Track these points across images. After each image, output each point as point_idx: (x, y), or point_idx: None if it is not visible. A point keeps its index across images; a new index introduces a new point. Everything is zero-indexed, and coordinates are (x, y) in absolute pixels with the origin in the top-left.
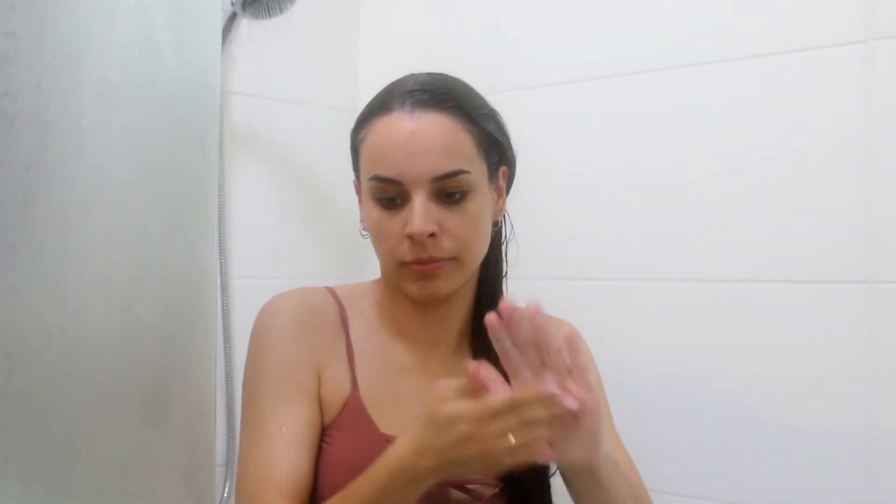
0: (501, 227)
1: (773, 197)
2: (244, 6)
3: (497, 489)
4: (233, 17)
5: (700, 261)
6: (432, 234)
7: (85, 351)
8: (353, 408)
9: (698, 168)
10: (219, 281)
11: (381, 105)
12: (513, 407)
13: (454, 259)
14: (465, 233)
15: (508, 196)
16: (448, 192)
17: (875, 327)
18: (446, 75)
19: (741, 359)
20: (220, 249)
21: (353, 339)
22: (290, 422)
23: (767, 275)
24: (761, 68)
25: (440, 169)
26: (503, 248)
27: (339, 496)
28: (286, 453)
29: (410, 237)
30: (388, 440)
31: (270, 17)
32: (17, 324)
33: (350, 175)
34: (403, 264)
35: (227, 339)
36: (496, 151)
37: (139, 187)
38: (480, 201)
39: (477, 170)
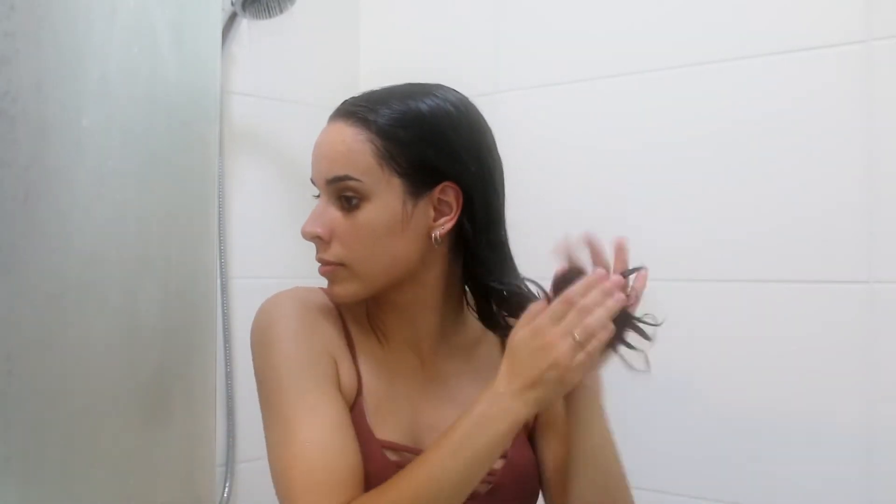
0: (469, 240)
1: (772, 197)
2: (244, 6)
3: (490, 486)
4: (233, 17)
5: (699, 260)
6: (320, 238)
7: (85, 351)
8: (357, 409)
9: (697, 168)
10: (219, 281)
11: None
12: (567, 301)
13: (343, 265)
14: (353, 241)
15: (506, 198)
16: (345, 197)
17: (875, 327)
18: (401, 87)
19: (741, 358)
20: (220, 249)
21: (353, 338)
22: (325, 411)
23: (767, 274)
24: (761, 68)
25: (329, 173)
26: (475, 257)
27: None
28: (335, 439)
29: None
30: (382, 446)
31: (270, 17)
32: (17, 324)
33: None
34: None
35: (227, 339)
36: (424, 168)
37: (139, 187)
38: (376, 212)
39: (372, 179)
